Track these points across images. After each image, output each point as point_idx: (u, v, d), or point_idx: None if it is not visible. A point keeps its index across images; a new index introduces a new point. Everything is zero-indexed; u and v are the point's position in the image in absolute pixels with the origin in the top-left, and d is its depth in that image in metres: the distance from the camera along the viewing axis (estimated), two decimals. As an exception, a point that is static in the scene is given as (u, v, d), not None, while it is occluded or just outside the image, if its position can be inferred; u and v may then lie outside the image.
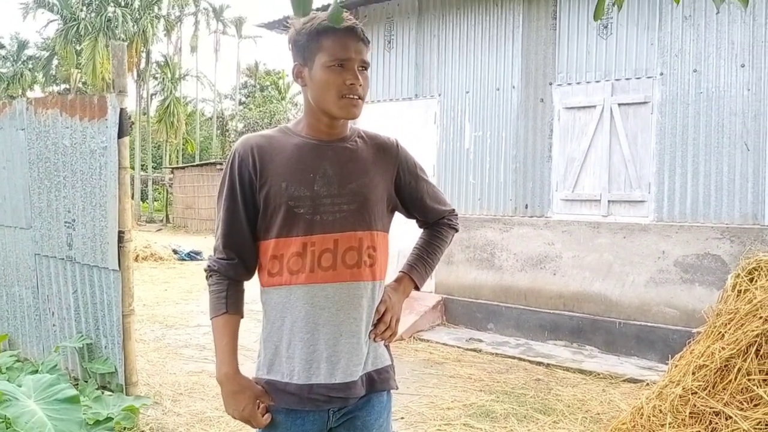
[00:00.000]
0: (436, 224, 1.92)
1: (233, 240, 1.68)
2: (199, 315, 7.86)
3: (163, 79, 37.62)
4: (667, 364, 5.65)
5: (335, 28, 1.59)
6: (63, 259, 4.16)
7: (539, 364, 5.79)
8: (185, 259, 14.66)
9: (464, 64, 7.12)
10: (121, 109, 3.67)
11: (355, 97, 1.61)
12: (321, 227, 1.62)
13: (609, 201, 6.16)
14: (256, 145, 1.67)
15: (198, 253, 15.04)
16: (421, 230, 1.95)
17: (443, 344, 6.39)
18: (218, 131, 42.09)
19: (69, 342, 4.07)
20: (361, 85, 1.62)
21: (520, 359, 5.93)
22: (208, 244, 16.59)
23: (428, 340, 6.52)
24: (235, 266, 1.69)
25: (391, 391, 1.78)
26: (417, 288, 1.87)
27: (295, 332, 1.64)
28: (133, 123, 26.93)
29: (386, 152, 1.77)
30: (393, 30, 7.70)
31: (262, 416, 1.63)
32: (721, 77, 5.56)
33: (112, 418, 3.04)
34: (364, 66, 1.64)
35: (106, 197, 3.79)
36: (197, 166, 25.93)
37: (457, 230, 1.96)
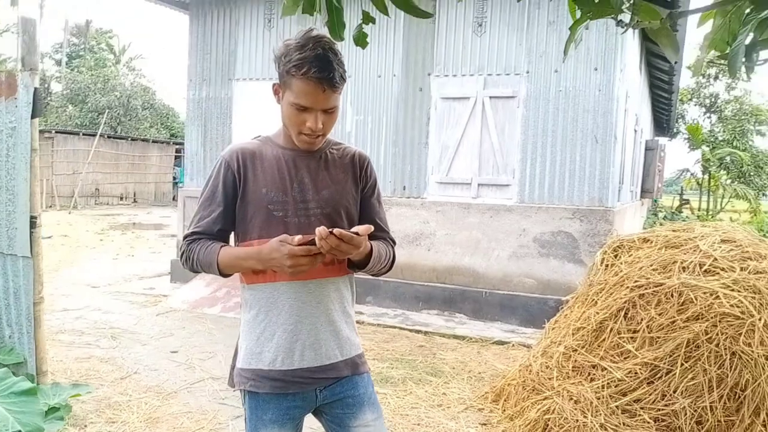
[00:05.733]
0: (382, 240, 1.99)
1: (210, 230, 1.86)
2: (61, 298, 7.41)
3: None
4: (526, 327, 6.47)
5: (306, 74, 1.67)
6: (-44, 244, 3.88)
7: (418, 332, 6.33)
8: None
9: (345, 50, 7.36)
10: (35, 89, 3.52)
11: (313, 135, 1.77)
12: (298, 229, 1.79)
13: (479, 184, 6.83)
14: (240, 154, 1.85)
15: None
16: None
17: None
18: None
19: (-33, 332, 3.84)
20: (321, 125, 1.75)
21: (400, 328, 6.43)
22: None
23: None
24: (215, 235, 1.87)
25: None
26: (359, 266, 1.88)
27: (279, 324, 1.83)
28: (48, 103, 23.56)
29: (355, 166, 1.94)
30: (274, 9, 7.74)
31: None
32: (577, 78, 6.39)
33: (59, 408, 3.01)
34: (331, 110, 1.75)
35: (14, 180, 3.61)
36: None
37: (394, 243, 2.04)
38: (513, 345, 5.92)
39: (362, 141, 7.31)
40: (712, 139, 20.99)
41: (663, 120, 17.18)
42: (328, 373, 1.88)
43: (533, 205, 6.60)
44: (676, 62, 11.05)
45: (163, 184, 25.75)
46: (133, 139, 24.48)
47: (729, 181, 20.70)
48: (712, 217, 19.19)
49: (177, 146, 26.74)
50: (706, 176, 20.45)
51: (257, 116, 7.82)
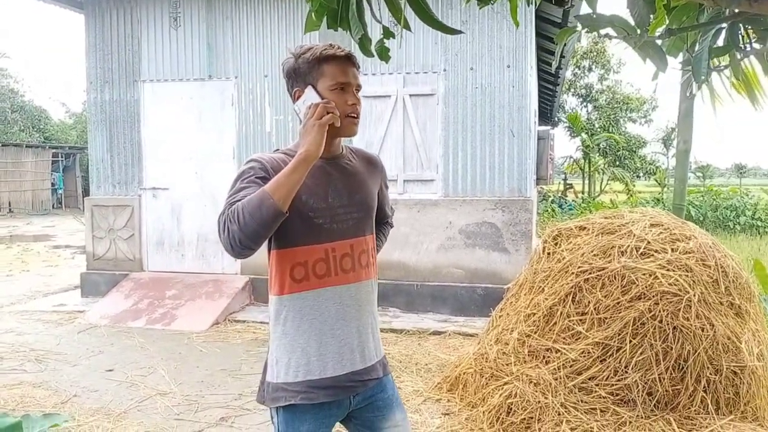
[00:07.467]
0: (382, 223, 2.26)
1: None
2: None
3: None
4: (458, 316, 6.70)
5: (335, 56, 1.83)
6: None
7: (354, 329, 6.38)
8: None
9: (261, 48, 7.27)
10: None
11: (355, 115, 1.87)
12: (339, 234, 1.86)
13: (404, 180, 6.97)
14: (268, 161, 1.81)
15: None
16: None
17: (260, 323, 6.59)
18: None
19: None
20: (359, 105, 1.89)
21: (336, 327, 6.46)
22: None
23: (244, 321, 6.67)
24: None
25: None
26: None
27: (325, 330, 1.85)
28: None
29: (374, 167, 2.07)
30: (179, 7, 7.46)
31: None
32: (492, 75, 6.68)
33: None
34: (358, 89, 1.90)
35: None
36: None
37: (392, 226, 2.34)
38: (449, 334, 6.12)
39: (283, 140, 7.24)
40: (590, 127, 22.53)
41: (547, 110, 18.22)
42: (371, 374, 1.92)
43: (457, 198, 6.84)
44: (563, 57, 11.75)
45: (41, 192, 23.99)
46: (3, 145, 22.62)
47: (606, 165, 22.32)
48: (594, 199, 20.61)
49: (53, 150, 25.01)
50: (587, 161, 21.94)
51: (169, 118, 7.53)
